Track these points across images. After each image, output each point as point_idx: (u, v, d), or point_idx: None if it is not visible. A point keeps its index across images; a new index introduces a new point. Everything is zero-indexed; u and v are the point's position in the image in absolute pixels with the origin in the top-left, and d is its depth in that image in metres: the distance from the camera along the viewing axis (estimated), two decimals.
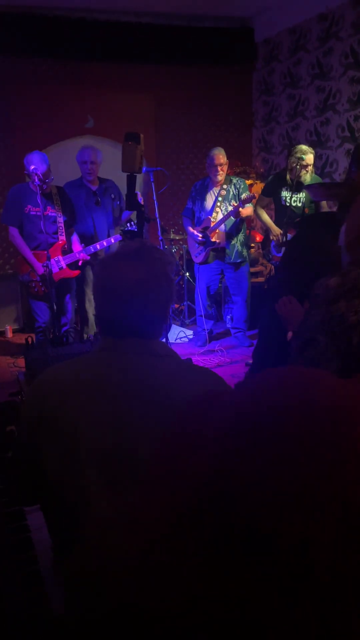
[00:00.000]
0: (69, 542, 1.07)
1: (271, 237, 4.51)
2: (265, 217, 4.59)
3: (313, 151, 4.24)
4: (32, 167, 3.62)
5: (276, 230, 4.41)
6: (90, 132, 5.90)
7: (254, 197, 4.42)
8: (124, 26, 5.64)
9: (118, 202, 4.35)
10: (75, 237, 4.09)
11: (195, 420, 0.54)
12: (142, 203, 4.22)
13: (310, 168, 4.21)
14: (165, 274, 1.13)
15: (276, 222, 4.48)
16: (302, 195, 4.29)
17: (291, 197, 4.27)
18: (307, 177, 4.23)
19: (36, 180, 3.58)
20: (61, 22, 5.40)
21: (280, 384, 0.50)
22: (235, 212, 4.35)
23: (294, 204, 4.30)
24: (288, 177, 4.27)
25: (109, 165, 5.77)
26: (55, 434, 1.06)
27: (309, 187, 4.05)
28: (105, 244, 4.02)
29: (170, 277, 1.15)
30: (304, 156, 4.17)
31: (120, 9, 5.48)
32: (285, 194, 4.33)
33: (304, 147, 4.22)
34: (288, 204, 4.26)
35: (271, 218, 4.65)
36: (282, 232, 4.29)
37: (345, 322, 1.52)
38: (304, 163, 4.16)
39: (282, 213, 4.38)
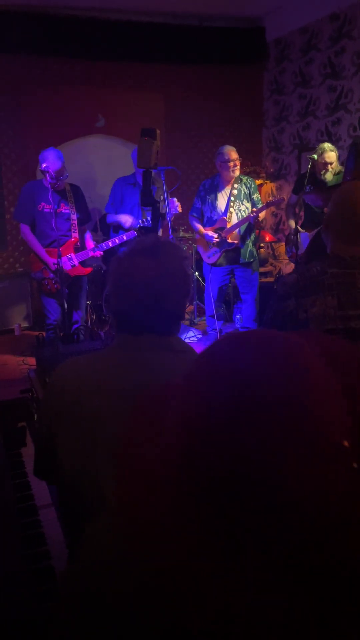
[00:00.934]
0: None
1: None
2: (291, 223, 4.55)
3: (334, 149, 4.17)
4: (45, 164, 3.64)
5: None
6: (100, 132, 5.91)
7: (282, 200, 4.42)
8: (136, 26, 5.65)
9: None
10: (88, 235, 4.09)
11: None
12: (179, 211, 4.23)
13: (332, 167, 4.16)
14: (181, 269, 1.13)
15: (305, 221, 4.45)
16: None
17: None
18: (328, 175, 4.19)
19: (48, 177, 3.60)
20: (73, 21, 5.41)
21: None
22: (255, 218, 4.37)
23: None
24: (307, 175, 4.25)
25: (119, 164, 5.79)
26: (72, 430, 1.07)
27: (306, 195, 4.04)
28: (117, 241, 4.01)
29: (186, 272, 1.15)
30: (315, 155, 4.15)
31: (132, 8, 5.49)
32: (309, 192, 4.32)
33: (325, 145, 4.17)
34: (309, 203, 4.27)
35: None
36: (293, 229, 4.28)
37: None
38: (322, 161, 4.13)
39: (308, 211, 4.38)
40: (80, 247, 3.97)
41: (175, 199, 4.23)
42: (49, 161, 3.65)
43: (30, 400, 2.39)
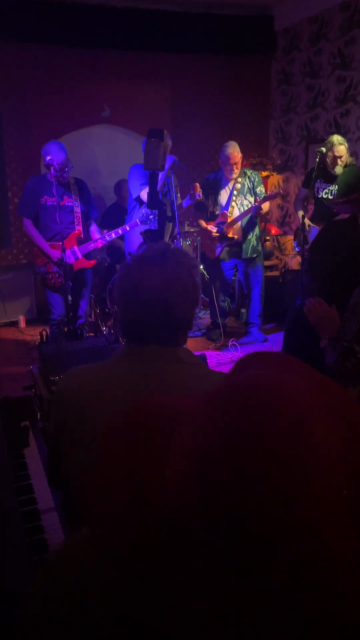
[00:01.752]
0: None
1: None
2: (300, 215, 4.47)
3: (344, 142, 4.11)
4: (49, 157, 3.60)
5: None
6: (106, 121, 5.85)
7: (279, 194, 4.36)
8: (142, 13, 5.55)
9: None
10: (94, 227, 4.04)
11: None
12: (201, 197, 4.14)
13: (341, 160, 4.11)
14: (190, 278, 1.10)
15: (314, 213, 4.40)
16: (333, 187, 4.21)
17: (323, 189, 4.21)
18: (338, 169, 4.14)
19: (52, 171, 3.56)
20: (78, 9, 5.33)
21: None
22: (257, 210, 4.29)
23: (325, 196, 4.24)
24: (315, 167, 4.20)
25: (124, 154, 5.74)
26: (77, 440, 1.05)
27: (336, 205, 3.99)
28: (120, 231, 3.95)
29: (195, 281, 1.12)
30: (323, 149, 4.10)
31: None
32: (318, 185, 4.27)
33: (334, 137, 4.11)
34: (320, 196, 4.21)
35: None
36: (301, 223, 4.23)
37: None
38: (332, 155, 4.08)
39: (318, 204, 4.33)
40: (84, 240, 3.93)
41: (197, 184, 4.17)
42: (53, 154, 3.60)
43: (33, 398, 2.37)
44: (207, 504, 0.43)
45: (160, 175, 3.65)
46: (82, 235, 3.92)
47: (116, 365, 1.11)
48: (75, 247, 3.87)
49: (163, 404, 0.53)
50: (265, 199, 4.29)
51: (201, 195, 4.21)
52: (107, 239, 3.96)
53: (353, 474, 0.44)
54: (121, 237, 4.28)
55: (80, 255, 3.89)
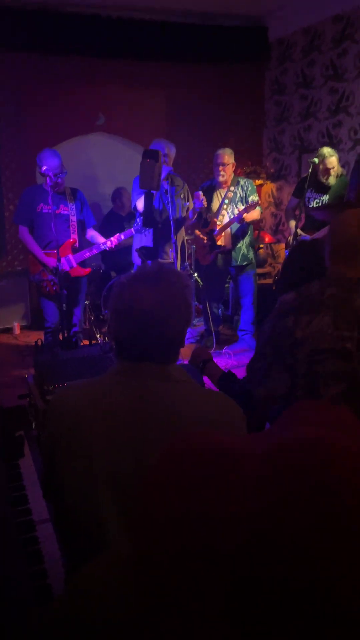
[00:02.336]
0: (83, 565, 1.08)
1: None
2: (292, 225, 4.52)
3: (334, 153, 4.15)
4: (44, 167, 3.62)
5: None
6: (101, 130, 5.89)
7: (257, 203, 4.38)
8: (137, 23, 5.61)
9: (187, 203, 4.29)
10: (94, 233, 4.05)
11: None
12: (205, 205, 4.18)
13: (334, 171, 4.16)
14: (183, 298, 1.13)
15: (305, 223, 4.45)
16: (325, 198, 4.26)
17: (314, 199, 4.26)
18: (331, 180, 4.18)
19: (48, 181, 3.59)
20: (74, 18, 5.37)
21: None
22: (239, 219, 4.33)
23: (315, 207, 4.29)
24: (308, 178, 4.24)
25: (119, 162, 5.78)
26: (70, 456, 1.08)
27: (314, 210, 4.05)
28: (115, 240, 3.95)
29: (188, 301, 1.14)
30: (316, 159, 4.15)
31: (133, 6, 5.45)
32: (310, 195, 4.32)
33: (325, 150, 4.14)
34: (311, 206, 4.26)
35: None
36: (293, 232, 4.28)
37: (291, 337, 1.54)
38: (324, 167, 4.13)
39: (307, 215, 4.38)
40: (78, 248, 3.96)
41: (200, 193, 4.20)
42: (47, 163, 3.63)
43: (28, 407, 2.40)
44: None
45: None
46: (76, 244, 3.94)
47: (110, 381, 1.14)
48: (70, 256, 3.90)
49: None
50: (244, 210, 4.32)
51: (204, 204, 4.22)
52: (102, 247, 3.97)
53: None
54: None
55: (74, 264, 3.92)
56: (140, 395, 1.08)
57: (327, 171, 4.13)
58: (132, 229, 3.91)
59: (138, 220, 3.91)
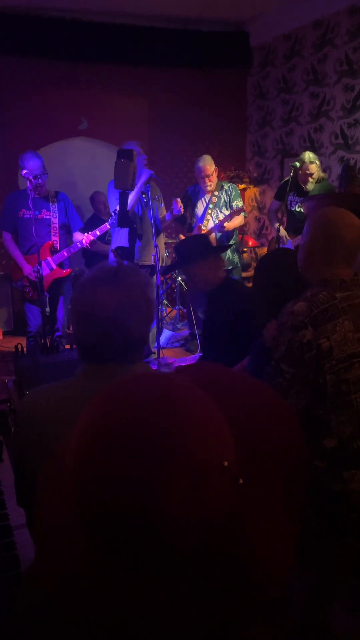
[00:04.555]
0: None
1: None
2: (277, 226, 4.51)
3: (315, 159, 4.12)
4: (25, 171, 3.60)
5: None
6: (84, 134, 5.88)
7: (242, 209, 4.40)
8: (119, 28, 5.62)
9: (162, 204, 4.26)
10: (76, 235, 4.01)
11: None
12: (182, 212, 4.19)
13: (312, 177, 4.14)
14: (144, 297, 1.11)
15: (287, 226, 4.47)
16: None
17: (296, 203, 4.28)
18: (310, 185, 4.19)
19: (29, 184, 3.56)
20: (56, 22, 5.36)
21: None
22: (220, 227, 4.34)
23: (297, 210, 4.31)
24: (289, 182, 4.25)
25: (102, 166, 5.77)
26: (41, 463, 1.06)
27: (305, 200, 4.06)
28: (91, 236, 3.89)
29: (149, 298, 1.12)
30: (297, 163, 4.17)
31: (116, 11, 5.46)
32: (292, 199, 4.34)
33: (306, 155, 4.12)
34: (293, 209, 4.28)
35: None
36: (276, 233, 4.29)
37: (313, 349, 1.50)
38: (303, 173, 4.14)
39: (290, 218, 4.39)
40: (58, 250, 3.92)
41: (178, 200, 4.20)
42: (28, 165, 3.61)
43: (8, 412, 2.36)
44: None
45: (134, 192, 3.69)
46: (56, 246, 3.89)
47: (77, 385, 1.12)
48: (49, 258, 3.87)
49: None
50: (229, 216, 4.33)
51: (182, 210, 4.24)
52: (79, 246, 3.90)
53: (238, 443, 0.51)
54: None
55: (54, 266, 3.88)
56: None
57: (305, 177, 4.14)
58: (106, 223, 3.87)
59: (113, 215, 3.87)
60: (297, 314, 1.54)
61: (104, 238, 4.86)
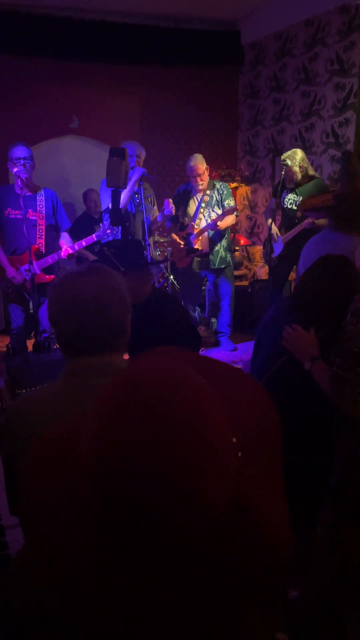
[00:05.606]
0: None
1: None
2: (269, 223, 4.50)
3: (297, 150, 4.12)
4: (15, 169, 3.55)
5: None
6: (74, 132, 5.86)
7: (235, 209, 4.41)
8: (110, 26, 5.60)
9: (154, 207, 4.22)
10: (65, 239, 3.93)
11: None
12: (173, 213, 4.16)
13: (294, 170, 4.16)
14: (120, 284, 1.15)
15: (280, 223, 4.48)
16: (297, 198, 4.29)
17: (288, 200, 4.29)
18: (297, 176, 4.18)
19: (18, 182, 3.51)
20: (47, 20, 5.34)
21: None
22: (213, 226, 4.35)
23: (289, 206, 4.32)
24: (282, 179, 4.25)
25: (93, 164, 5.75)
26: None
27: (301, 204, 4.06)
28: (84, 243, 3.83)
29: (124, 288, 1.16)
30: (288, 161, 4.16)
31: (107, 8, 5.44)
32: (284, 195, 4.35)
33: (287, 152, 4.15)
34: (285, 206, 4.30)
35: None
36: (269, 230, 4.29)
37: (330, 344, 1.50)
38: (290, 167, 4.15)
39: (283, 214, 4.41)
40: (45, 253, 3.79)
41: (170, 200, 4.18)
42: (15, 152, 3.55)
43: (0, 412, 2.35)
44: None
45: (127, 190, 3.63)
46: (42, 249, 3.78)
47: (62, 387, 1.12)
48: (34, 262, 3.75)
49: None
50: (221, 215, 4.33)
51: (173, 211, 4.24)
52: (57, 257, 3.76)
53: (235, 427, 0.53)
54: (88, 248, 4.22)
55: (38, 271, 3.75)
56: (89, 393, 1.06)
57: (291, 171, 4.13)
58: (93, 235, 3.73)
59: (101, 226, 3.75)
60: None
61: (93, 249, 4.81)
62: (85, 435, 0.53)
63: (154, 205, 4.22)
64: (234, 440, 0.52)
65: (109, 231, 3.58)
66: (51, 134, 5.72)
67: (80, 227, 5.19)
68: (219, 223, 4.32)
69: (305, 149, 5.27)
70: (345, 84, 4.83)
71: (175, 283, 5.52)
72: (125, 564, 0.50)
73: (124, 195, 3.59)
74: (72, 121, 5.79)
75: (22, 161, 3.58)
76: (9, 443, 1.13)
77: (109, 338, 1.12)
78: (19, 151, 3.60)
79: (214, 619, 0.50)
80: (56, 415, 1.05)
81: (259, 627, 0.55)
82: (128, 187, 3.58)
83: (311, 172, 4.22)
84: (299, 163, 4.12)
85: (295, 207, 4.30)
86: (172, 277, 5.56)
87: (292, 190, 4.29)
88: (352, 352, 1.53)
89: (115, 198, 2.20)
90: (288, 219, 4.33)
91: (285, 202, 4.32)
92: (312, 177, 4.23)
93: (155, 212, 4.27)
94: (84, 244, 3.75)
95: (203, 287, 5.12)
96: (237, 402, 0.58)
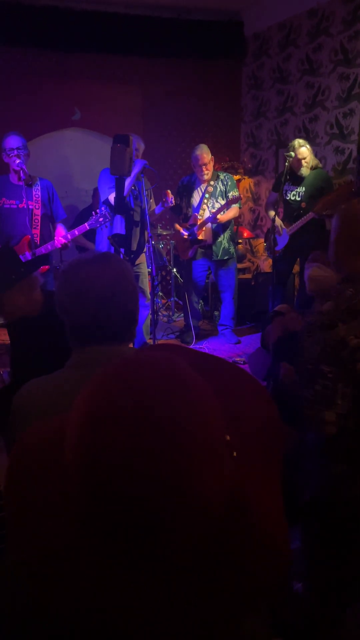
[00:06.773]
0: None
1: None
2: (272, 215, 4.46)
3: (305, 144, 4.18)
4: (18, 161, 3.53)
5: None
6: (77, 125, 5.82)
7: (239, 198, 4.40)
8: (113, 17, 5.55)
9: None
10: (60, 229, 3.88)
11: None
12: (174, 203, 4.13)
13: (306, 161, 4.19)
14: (131, 275, 1.16)
15: (283, 216, 4.47)
16: (301, 189, 4.28)
17: (291, 191, 4.27)
18: (304, 170, 4.21)
19: (22, 175, 3.49)
20: (49, 11, 5.29)
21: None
22: (213, 218, 4.33)
23: (292, 198, 4.30)
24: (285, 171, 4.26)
25: (95, 157, 5.72)
26: None
27: (318, 208, 4.07)
28: (77, 232, 3.74)
29: (132, 273, 1.17)
30: (292, 152, 4.16)
31: None
32: (287, 187, 4.34)
33: (295, 141, 4.19)
34: (288, 198, 4.28)
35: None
36: (272, 222, 4.27)
37: (348, 346, 1.44)
38: (296, 158, 4.16)
39: (286, 207, 4.40)
40: (40, 244, 3.74)
41: (169, 191, 4.17)
42: (8, 142, 3.53)
43: None
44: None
45: (129, 179, 3.59)
46: (36, 239, 3.72)
47: (67, 373, 1.11)
48: (27, 253, 3.70)
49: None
50: (225, 205, 4.32)
51: (173, 202, 4.22)
52: (51, 248, 3.72)
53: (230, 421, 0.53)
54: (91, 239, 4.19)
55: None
56: None
57: (299, 162, 4.16)
58: (86, 223, 3.66)
59: (93, 214, 3.64)
60: (326, 314, 1.49)
61: (91, 236, 4.76)
62: (72, 436, 0.52)
63: (150, 198, 4.20)
64: (227, 438, 0.51)
65: (101, 219, 3.55)
66: (53, 126, 5.69)
67: (81, 221, 5.16)
68: (219, 216, 4.31)
69: (309, 140, 5.23)
70: (350, 74, 4.77)
71: (178, 276, 5.50)
72: (125, 564, 0.50)
73: (127, 183, 3.55)
74: (74, 113, 5.76)
75: (15, 151, 3.55)
76: (15, 430, 1.12)
77: (122, 328, 1.12)
78: (13, 141, 3.57)
79: (214, 619, 0.49)
80: (64, 405, 1.04)
81: (259, 627, 0.54)
82: (130, 179, 3.54)
83: (314, 162, 4.24)
84: (310, 151, 4.19)
85: (299, 199, 4.28)
86: (174, 269, 5.54)
87: (295, 183, 4.27)
88: (307, 370, 1.47)
89: (120, 186, 2.17)
90: (292, 211, 4.32)
91: (289, 195, 4.30)
92: (313, 168, 4.24)
93: (152, 205, 4.24)
94: (76, 233, 3.70)
95: (206, 280, 5.10)
96: (234, 400, 0.58)
